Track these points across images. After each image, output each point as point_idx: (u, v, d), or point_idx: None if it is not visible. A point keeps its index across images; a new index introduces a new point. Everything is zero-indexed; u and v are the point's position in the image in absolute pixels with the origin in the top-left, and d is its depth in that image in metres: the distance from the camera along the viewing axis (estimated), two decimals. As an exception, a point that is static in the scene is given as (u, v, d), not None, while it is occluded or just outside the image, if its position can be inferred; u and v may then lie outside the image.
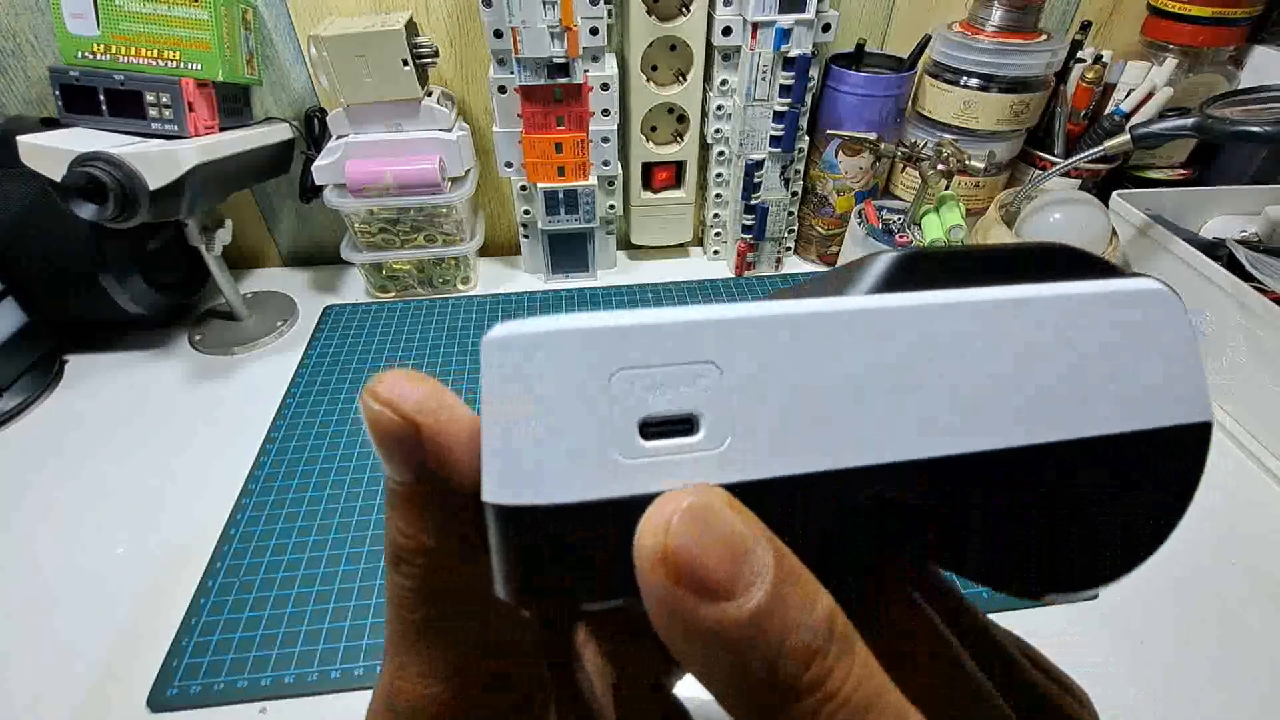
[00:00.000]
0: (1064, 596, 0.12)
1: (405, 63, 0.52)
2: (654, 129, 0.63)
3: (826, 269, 0.15)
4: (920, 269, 0.11)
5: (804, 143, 0.61)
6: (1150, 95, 0.57)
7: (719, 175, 0.64)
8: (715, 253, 0.70)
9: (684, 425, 0.10)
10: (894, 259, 0.12)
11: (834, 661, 0.09)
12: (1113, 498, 0.12)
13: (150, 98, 0.48)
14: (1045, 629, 0.37)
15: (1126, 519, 0.12)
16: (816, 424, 0.10)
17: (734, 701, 0.09)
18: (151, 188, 0.45)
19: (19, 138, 0.45)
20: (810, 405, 0.10)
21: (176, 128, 0.49)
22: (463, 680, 0.13)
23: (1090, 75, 0.59)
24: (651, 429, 0.10)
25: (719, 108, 0.60)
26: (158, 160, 0.45)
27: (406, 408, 0.11)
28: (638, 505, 0.09)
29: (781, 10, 0.52)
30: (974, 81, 0.57)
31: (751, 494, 0.10)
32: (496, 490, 0.10)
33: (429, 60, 0.53)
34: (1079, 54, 0.60)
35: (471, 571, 0.12)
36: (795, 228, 0.67)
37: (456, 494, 0.11)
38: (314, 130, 0.59)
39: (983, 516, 0.11)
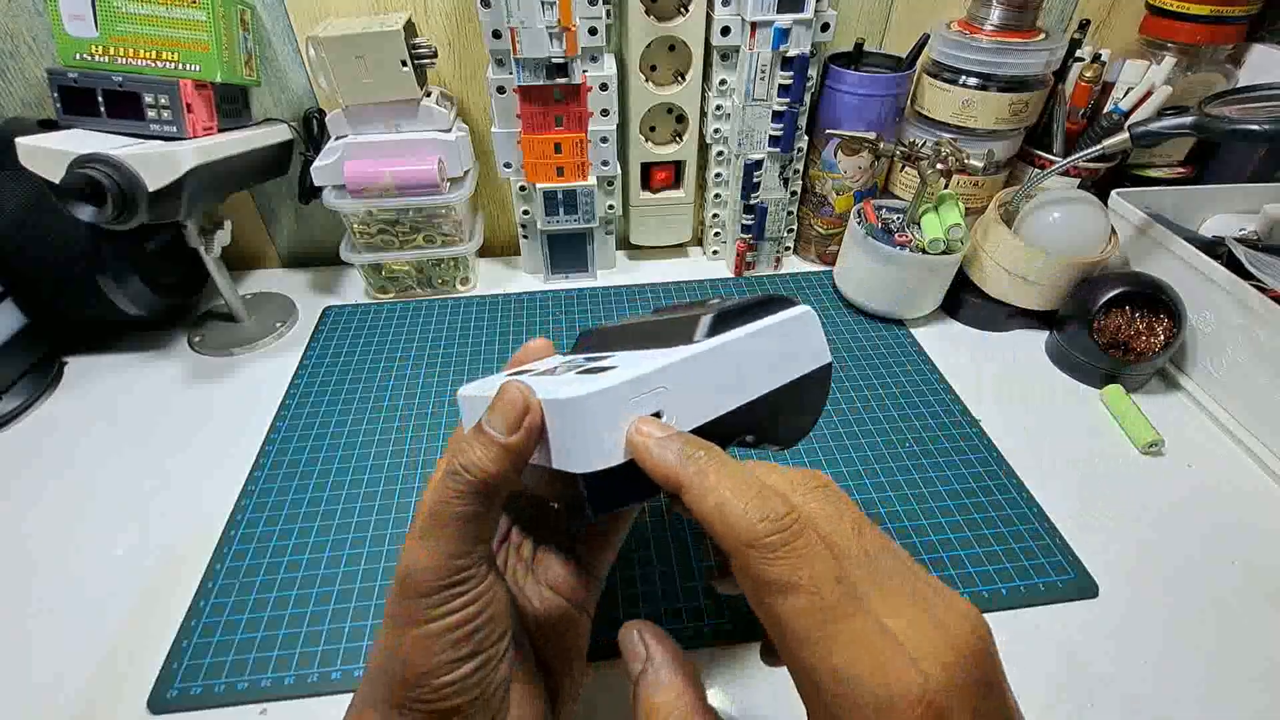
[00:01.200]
0: (779, 451, 0.28)
1: (404, 63, 0.52)
2: (653, 129, 0.63)
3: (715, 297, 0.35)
4: (724, 319, 0.24)
5: (803, 142, 0.61)
6: (1149, 94, 0.57)
7: (718, 175, 0.64)
8: (714, 252, 0.70)
9: (657, 415, 0.22)
10: (711, 319, 0.24)
11: (701, 464, 0.20)
12: (799, 405, 0.26)
13: (149, 99, 0.48)
14: (1046, 623, 0.38)
15: (805, 414, 0.27)
16: (698, 405, 0.23)
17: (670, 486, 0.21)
18: (150, 189, 0.45)
19: (17, 139, 0.45)
20: (694, 398, 0.23)
21: (175, 129, 0.49)
22: (470, 554, 0.22)
23: (1089, 74, 0.59)
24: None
25: (718, 108, 0.60)
26: (156, 162, 0.45)
27: (532, 397, 0.22)
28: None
29: (780, 10, 0.52)
30: (973, 80, 0.57)
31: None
32: (590, 463, 0.21)
33: (427, 61, 0.53)
34: (1077, 52, 0.60)
35: (503, 488, 0.23)
36: (794, 227, 0.67)
37: (527, 451, 0.22)
38: (313, 131, 0.59)
39: (761, 423, 0.25)
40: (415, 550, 0.22)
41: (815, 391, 0.26)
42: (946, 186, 0.57)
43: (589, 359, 0.27)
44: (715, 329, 0.24)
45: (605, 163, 0.60)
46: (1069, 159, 0.55)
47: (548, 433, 0.22)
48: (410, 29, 0.53)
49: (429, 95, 0.56)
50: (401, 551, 0.22)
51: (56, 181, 0.44)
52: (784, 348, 0.25)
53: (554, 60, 0.52)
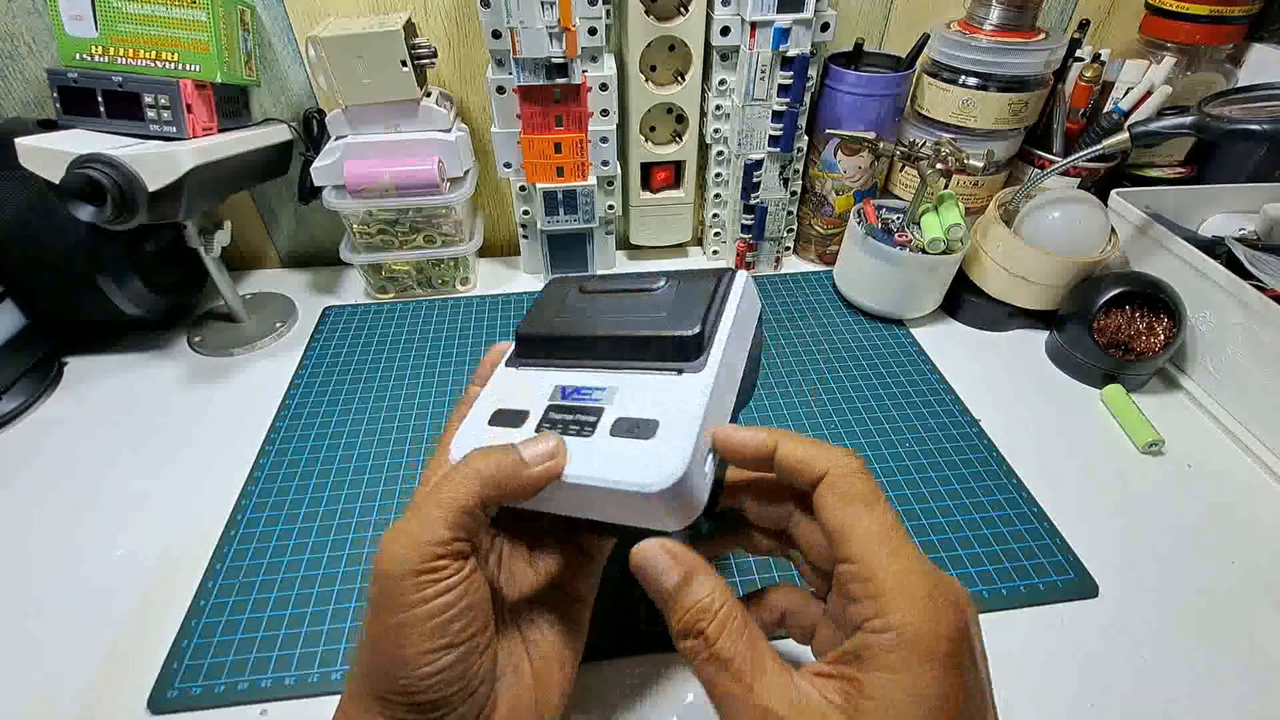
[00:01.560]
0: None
1: (404, 64, 0.52)
2: (653, 129, 0.63)
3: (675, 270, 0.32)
4: (705, 327, 0.27)
5: (803, 142, 0.61)
6: (1149, 93, 0.57)
7: (718, 175, 0.64)
8: (714, 252, 0.70)
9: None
10: (697, 331, 0.26)
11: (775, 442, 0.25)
12: (752, 359, 0.30)
13: (149, 99, 0.48)
14: (1046, 623, 0.38)
15: (753, 366, 0.30)
16: (725, 408, 0.27)
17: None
18: (150, 189, 0.45)
19: (17, 140, 0.45)
20: (722, 406, 0.26)
21: (175, 129, 0.49)
22: (448, 544, 0.23)
23: (1089, 74, 0.59)
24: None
25: (718, 107, 0.60)
26: (156, 162, 0.45)
27: (561, 449, 0.26)
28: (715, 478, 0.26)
29: (780, 10, 0.52)
30: (972, 80, 0.57)
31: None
32: (702, 505, 0.24)
33: (427, 61, 0.53)
34: (1077, 52, 0.60)
35: (505, 499, 0.25)
36: (794, 227, 0.67)
37: (539, 484, 0.25)
38: (312, 131, 0.59)
39: (744, 390, 0.29)
40: (394, 537, 0.23)
41: (757, 339, 0.31)
42: (946, 186, 0.57)
43: (585, 396, 0.27)
44: (705, 338, 0.27)
45: (605, 163, 0.60)
46: (1069, 159, 0.55)
47: (638, 508, 0.24)
48: (410, 29, 0.53)
49: (429, 95, 0.56)
50: (381, 539, 0.23)
51: (56, 181, 0.44)
52: (745, 319, 0.29)
53: (554, 60, 0.52)
